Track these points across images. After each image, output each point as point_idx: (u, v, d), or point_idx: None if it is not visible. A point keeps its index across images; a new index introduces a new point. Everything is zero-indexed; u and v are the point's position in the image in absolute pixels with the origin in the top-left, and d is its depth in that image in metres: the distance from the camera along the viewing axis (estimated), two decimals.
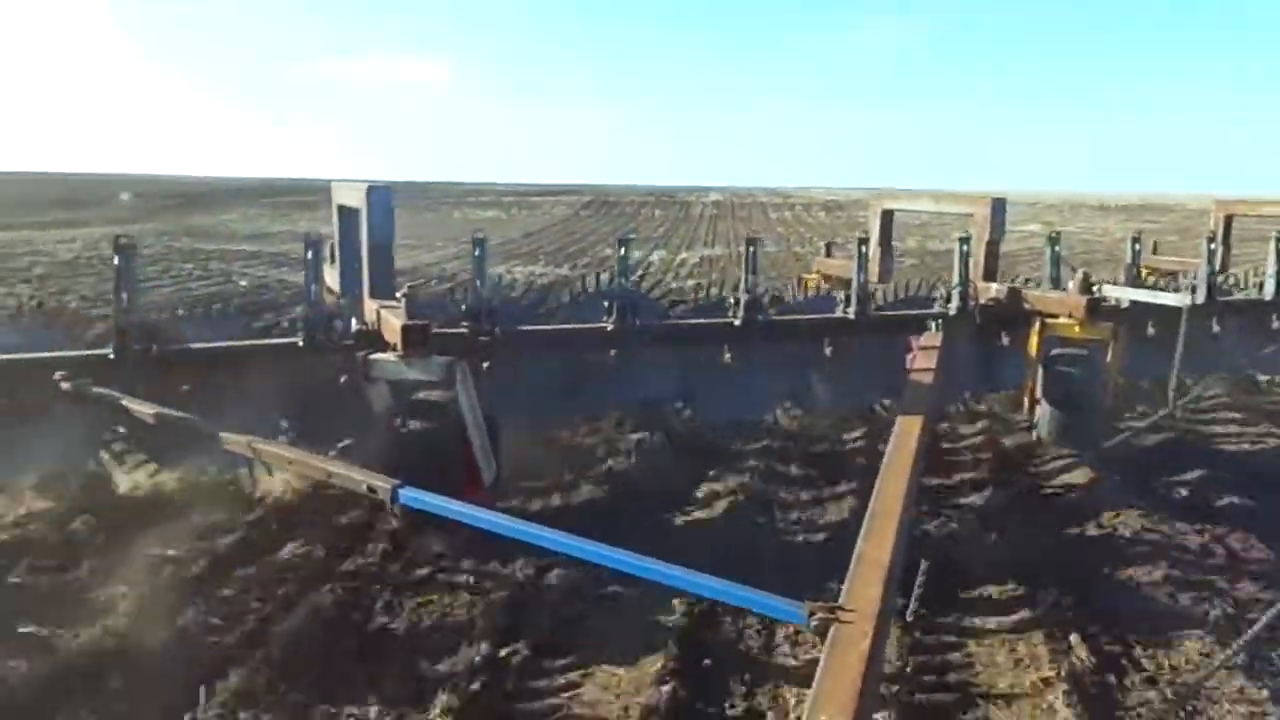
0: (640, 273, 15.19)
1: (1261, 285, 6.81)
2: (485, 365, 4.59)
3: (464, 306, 4.73)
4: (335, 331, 4.36)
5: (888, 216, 6.47)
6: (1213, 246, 6.41)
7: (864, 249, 5.48)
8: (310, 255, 4.35)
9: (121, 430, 4.15)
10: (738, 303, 5.28)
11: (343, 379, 4.20)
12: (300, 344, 4.33)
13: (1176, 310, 5.36)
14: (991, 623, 3.26)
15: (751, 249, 5.32)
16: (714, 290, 10.18)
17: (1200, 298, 6.13)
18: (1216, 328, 6.57)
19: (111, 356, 4.07)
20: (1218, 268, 6.68)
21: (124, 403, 3.74)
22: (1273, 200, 8.39)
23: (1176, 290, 6.51)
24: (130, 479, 4.14)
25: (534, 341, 4.96)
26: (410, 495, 3.00)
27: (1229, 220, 7.79)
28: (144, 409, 3.69)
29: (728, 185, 78.15)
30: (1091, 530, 4.07)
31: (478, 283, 4.72)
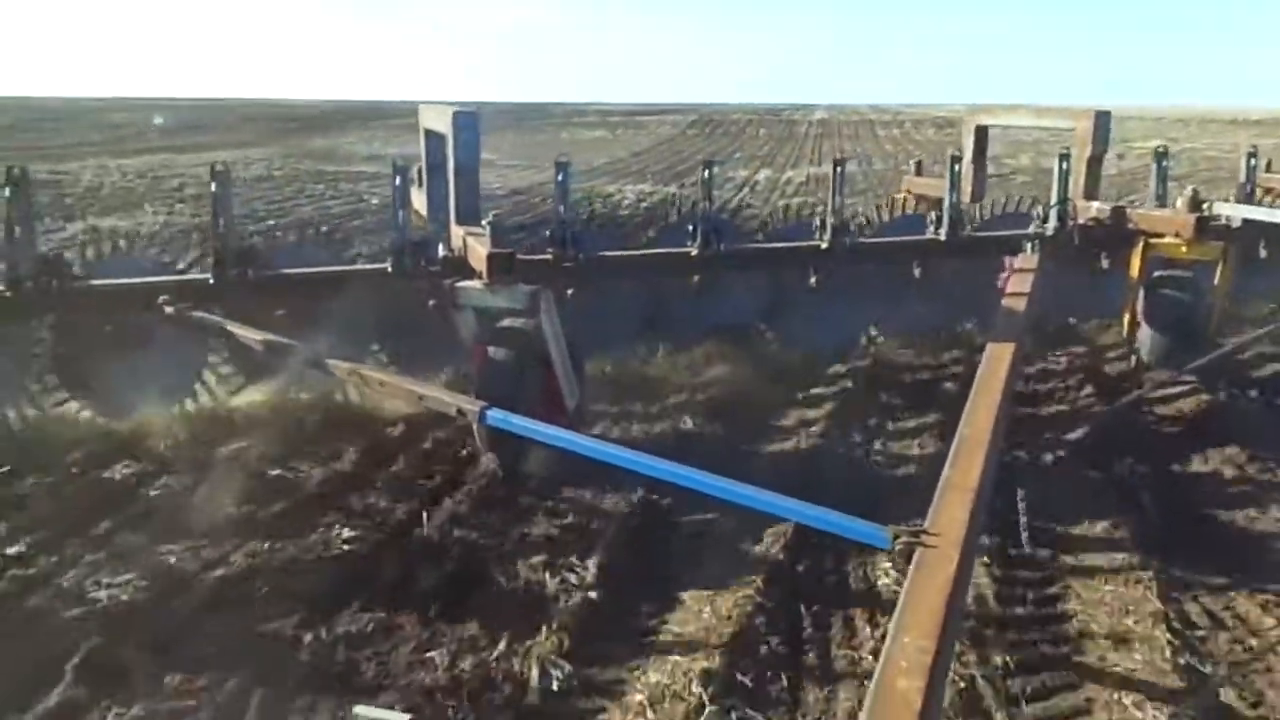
0: (748, 190, 15.57)
1: None
2: (569, 292, 4.63)
3: (548, 233, 4.75)
4: (423, 257, 4.42)
5: (982, 132, 6.23)
6: None
7: (956, 167, 5.29)
8: (398, 181, 4.40)
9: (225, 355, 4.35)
10: (824, 224, 5.17)
11: (430, 304, 4.27)
12: (389, 270, 4.41)
13: None
14: (1087, 561, 3.17)
15: (839, 169, 5.18)
16: (819, 209, 10.11)
17: None
18: None
19: (211, 282, 4.21)
20: None
21: (227, 327, 3.90)
22: None
23: None
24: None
25: (617, 267, 4.95)
26: (497, 416, 3.07)
27: None
28: (245, 333, 3.84)
29: (833, 103, 76.02)
30: (1197, 466, 3.92)
31: (560, 209, 4.71)
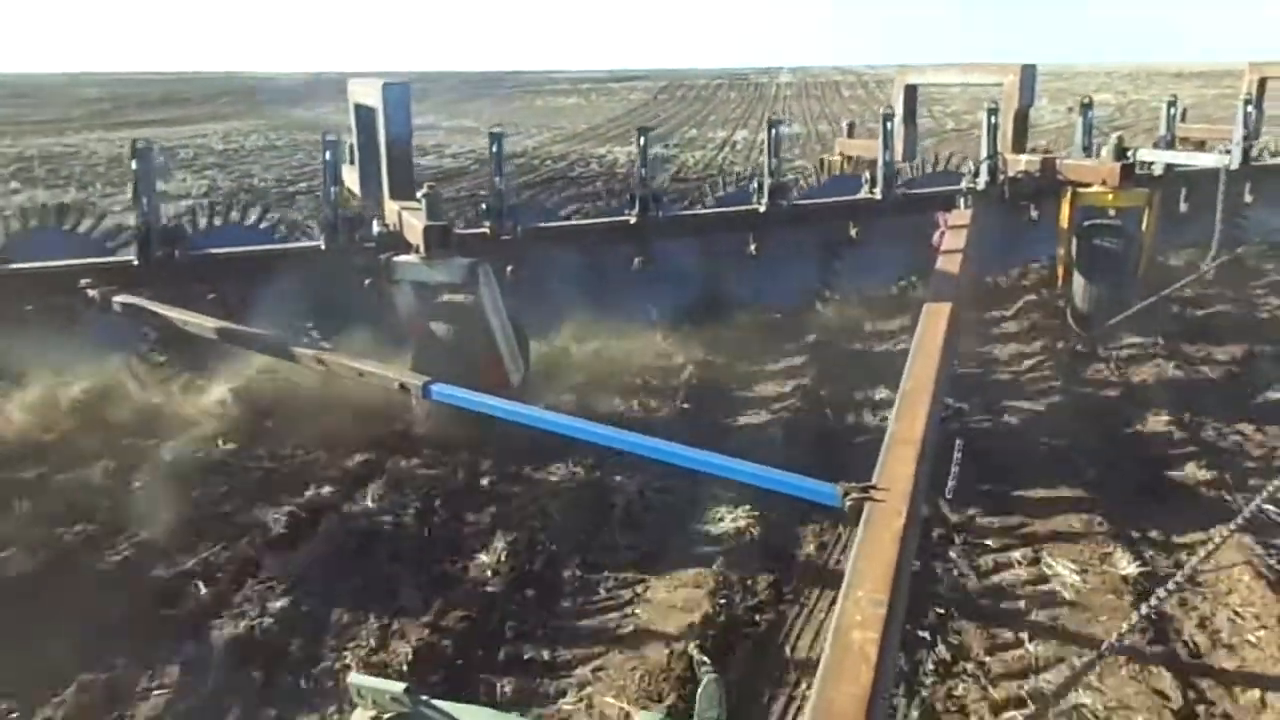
0: (729, 149, 16.64)
1: None
2: (509, 269, 4.58)
3: (484, 205, 4.68)
4: (357, 234, 4.33)
5: (912, 91, 6.27)
6: (1249, 109, 6.17)
7: (889, 125, 5.34)
8: (328, 156, 4.30)
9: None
10: (761, 188, 5.18)
11: (366, 282, 4.20)
12: (322, 247, 4.31)
13: (1213, 177, 5.22)
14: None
15: (774, 131, 5.18)
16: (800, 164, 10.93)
17: (1236, 162, 5.94)
18: (1249, 197, 6.40)
19: (135, 263, 4.08)
20: (1254, 132, 6.46)
21: (152, 309, 3.78)
22: None
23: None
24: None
25: (556, 238, 4.91)
26: (442, 390, 3.03)
27: (1263, 83, 7.50)
28: (171, 314, 3.72)
29: (799, 65, 77.59)
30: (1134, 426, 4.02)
31: (495, 180, 4.64)
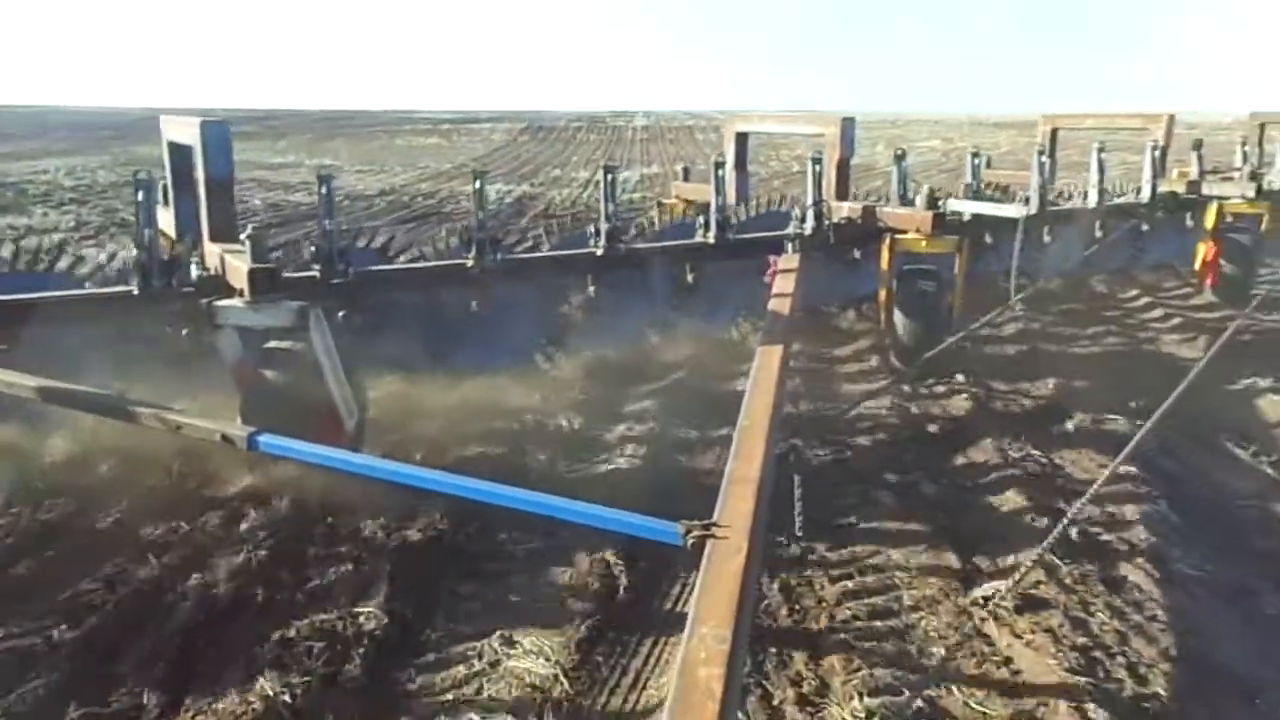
0: (594, 188, 17.01)
1: (1086, 194, 7.26)
2: (341, 314, 4.43)
3: (313, 248, 4.52)
4: (173, 278, 4.09)
5: (742, 139, 6.52)
6: (1043, 159, 6.73)
7: (720, 172, 5.51)
8: (141, 197, 4.04)
9: None
10: (599, 232, 5.23)
11: (184, 331, 3.98)
12: (135, 292, 4.05)
13: (1015, 222, 5.68)
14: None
15: (609, 176, 5.26)
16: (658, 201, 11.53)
17: (1034, 208, 6.46)
18: (1048, 237, 6.95)
19: None
20: (1048, 179, 7.06)
21: None
22: (1095, 113, 8.98)
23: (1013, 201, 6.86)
24: None
25: (391, 282, 4.79)
26: (270, 442, 2.89)
27: (1054, 133, 8.25)
28: None
29: (651, 109, 79.63)
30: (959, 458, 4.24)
31: (325, 223, 4.50)
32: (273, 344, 3.63)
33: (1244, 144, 8.55)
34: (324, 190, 4.48)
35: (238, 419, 3.33)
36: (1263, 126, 9.01)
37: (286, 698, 2.40)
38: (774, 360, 3.51)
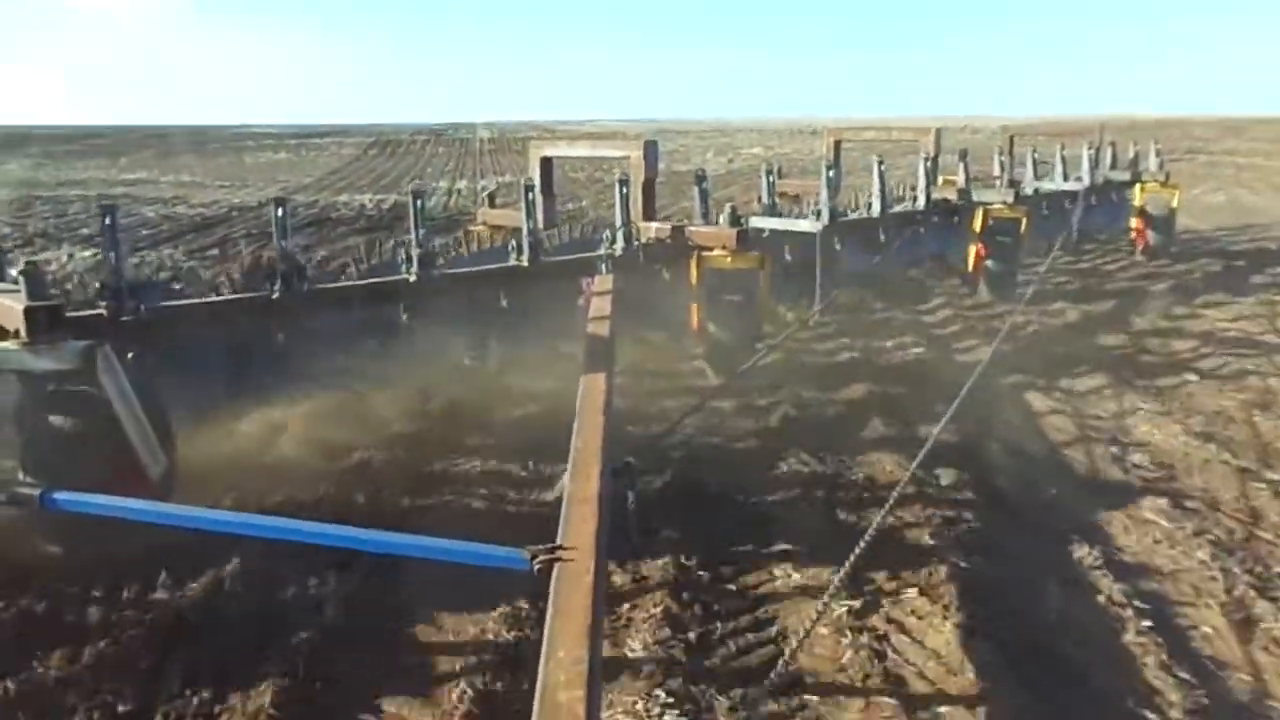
0: (456, 195, 18.78)
1: (870, 205, 7.80)
2: (130, 355, 4.10)
3: (98, 284, 4.18)
4: None
5: (547, 163, 6.54)
6: (831, 173, 7.10)
7: (530, 196, 5.51)
8: None
9: None
10: (410, 258, 5.12)
11: None
12: None
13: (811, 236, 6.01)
14: None
15: (419, 201, 5.15)
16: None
17: (825, 221, 6.84)
18: (839, 245, 7.38)
19: None
20: (836, 190, 7.50)
21: None
22: (873, 125, 9.73)
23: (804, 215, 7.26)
24: None
25: (188, 317, 4.50)
26: (65, 498, 2.65)
27: (838, 145, 8.83)
28: None
29: (494, 120, 78.93)
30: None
31: (111, 256, 4.17)
32: (57, 388, 3.32)
33: (1000, 153, 9.52)
34: (108, 220, 4.14)
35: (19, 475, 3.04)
36: (1011, 138, 10.15)
37: None
38: (599, 382, 3.53)
